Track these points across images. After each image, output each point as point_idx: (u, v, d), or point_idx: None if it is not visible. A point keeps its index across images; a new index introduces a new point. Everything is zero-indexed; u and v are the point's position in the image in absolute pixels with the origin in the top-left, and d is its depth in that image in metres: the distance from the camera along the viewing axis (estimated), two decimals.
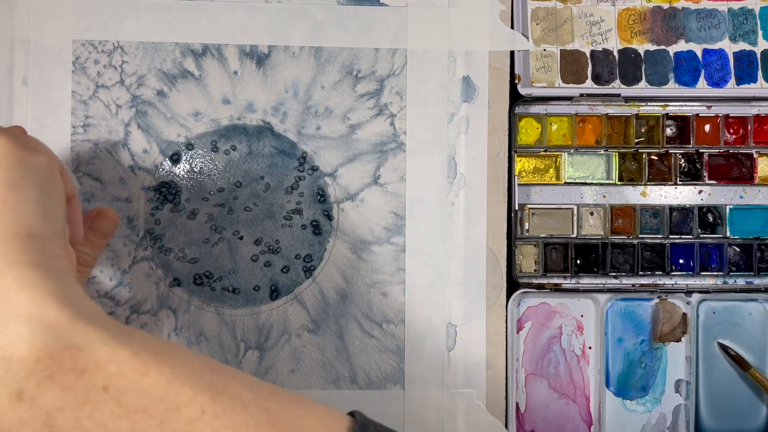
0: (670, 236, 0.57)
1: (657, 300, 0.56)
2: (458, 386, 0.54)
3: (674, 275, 0.57)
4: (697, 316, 0.57)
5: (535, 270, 0.56)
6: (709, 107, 0.57)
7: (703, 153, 0.57)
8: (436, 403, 0.53)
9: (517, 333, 0.56)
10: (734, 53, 0.56)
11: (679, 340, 0.57)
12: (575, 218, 0.56)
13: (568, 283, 0.56)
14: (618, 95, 0.56)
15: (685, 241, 0.57)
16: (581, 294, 0.56)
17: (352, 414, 0.34)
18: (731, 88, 0.56)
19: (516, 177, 0.55)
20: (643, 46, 0.56)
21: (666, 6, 0.56)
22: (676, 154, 0.57)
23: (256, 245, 0.53)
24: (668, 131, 0.57)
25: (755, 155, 0.57)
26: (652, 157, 0.57)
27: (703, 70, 0.56)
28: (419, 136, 0.54)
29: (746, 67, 0.56)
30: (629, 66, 0.56)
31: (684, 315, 0.56)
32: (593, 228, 0.57)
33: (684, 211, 0.57)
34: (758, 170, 0.57)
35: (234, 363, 0.53)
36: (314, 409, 0.32)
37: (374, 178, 0.54)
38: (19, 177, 0.34)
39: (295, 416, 0.32)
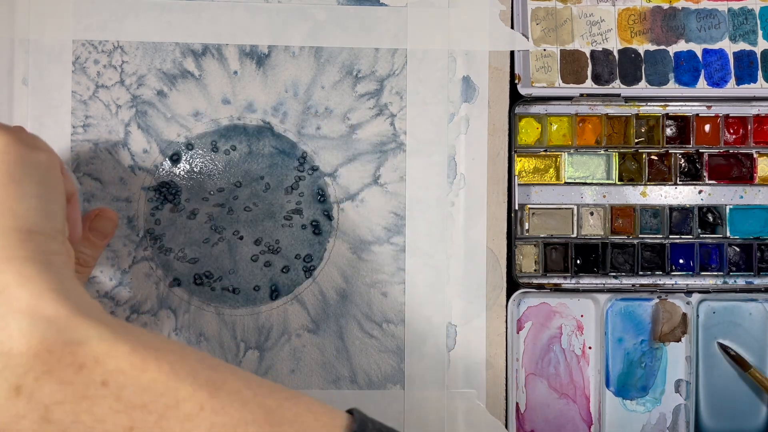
0: (670, 236, 0.57)
1: (657, 300, 0.56)
2: (458, 386, 0.54)
3: (674, 275, 0.57)
4: (697, 316, 0.57)
5: (535, 270, 0.56)
6: (709, 107, 0.57)
7: (703, 153, 0.57)
8: (436, 403, 0.53)
9: (517, 333, 0.56)
10: (734, 53, 0.56)
11: (679, 340, 0.57)
12: (575, 218, 0.56)
13: (568, 283, 0.56)
14: (618, 95, 0.56)
15: (685, 241, 0.57)
16: (581, 294, 0.56)
17: (350, 412, 0.34)
18: (731, 88, 0.56)
19: (516, 177, 0.55)
20: (643, 46, 0.56)
21: (666, 6, 0.56)
22: (676, 154, 0.57)
23: (256, 245, 0.53)
24: (668, 131, 0.57)
25: (755, 155, 0.57)
26: (652, 157, 0.57)
27: (703, 70, 0.56)
28: (419, 136, 0.54)
29: (746, 67, 0.56)
30: (629, 66, 0.56)
31: (684, 315, 0.56)
32: (593, 228, 0.57)
33: (684, 211, 0.57)
34: (758, 170, 0.57)
35: (234, 363, 0.53)
36: (313, 407, 0.32)
37: (374, 178, 0.54)
38: (20, 173, 0.34)
39: (293, 413, 0.32)
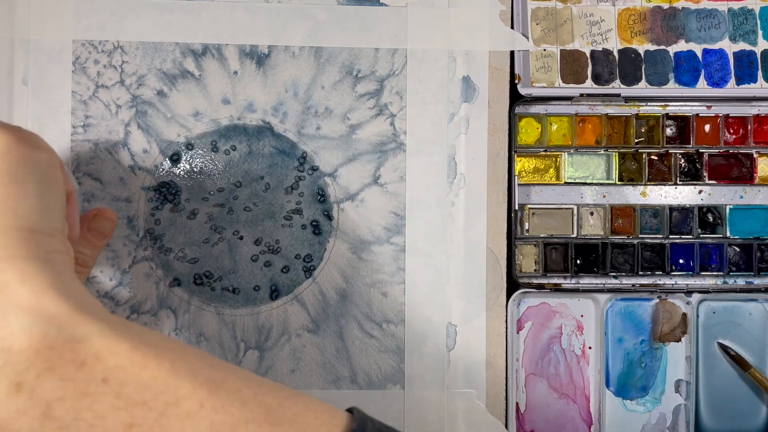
0: (670, 236, 0.57)
1: (657, 300, 0.56)
2: (458, 386, 0.54)
3: (674, 275, 0.57)
4: (697, 316, 0.57)
5: (535, 270, 0.56)
6: (709, 107, 0.57)
7: (703, 153, 0.57)
8: (436, 403, 0.53)
9: (517, 333, 0.56)
10: (734, 53, 0.56)
11: (679, 340, 0.57)
12: (575, 218, 0.56)
13: (568, 283, 0.56)
14: (618, 95, 0.56)
15: (685, 241, 0.57)
16: (581, 294, 0.56)
17: (350, 411, 0.34)
18: (731, 88, 0.56)
19: (516, 177, 0.55)
20: (643, 46, 0.56)
21: (666, 6, 0.56)
22: (676, 154, 0.57)
23: (256, 245, 0.53)
24: (668, 131, 0.57)
25: (755, 155, 0.57)
26: (652, 157, 0.57)
27: (703, 70, 0.56)
28: (419, 136, 0.54)
29: (746, 67, 0.56)
30: (629, 66, 0.56)
31: (684, 315, 0.56)
32: (593, 228, 0.57)
33: (684, 211, 0.57)
34: (758, 170, 0.57)
35: (234, 363, 0.53)
36: (313, 406, 0.32)
37: (374, 178, 0.54)
38: (21, 172, 0.34)
39: (293, 412, 0.32)
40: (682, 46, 0.56)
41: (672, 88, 0.56)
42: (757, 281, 0.57)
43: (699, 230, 0.57)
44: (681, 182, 0.57)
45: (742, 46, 0.56)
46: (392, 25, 0.54)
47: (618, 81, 0.56)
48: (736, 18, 0.56)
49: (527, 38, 0.55)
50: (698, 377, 0.57)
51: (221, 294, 0.53)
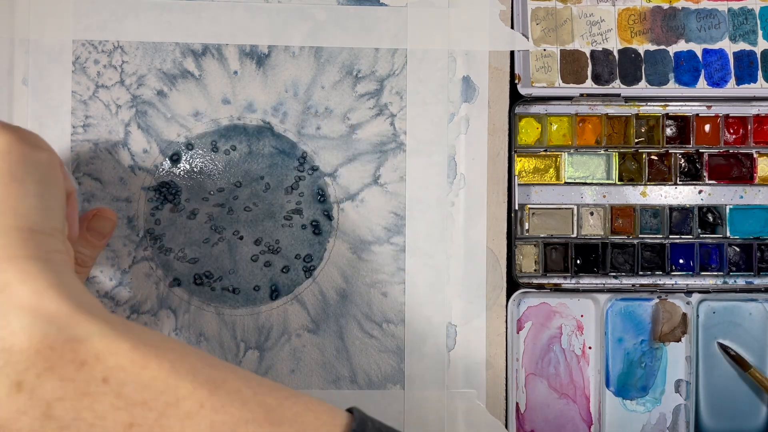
0: (670, 236, 0.57)
1: (657, 300, 0.56)
2: (458, 386, 0.54)
3: (674, 275, 0.57)
4: (697, 316, 0.57)
5: (535, 270, 0.56)
6: (709, 107, 0.57)
7: (703, 153, 0.57)
8: (436, 403, 0.53)
9: (517, 333, 0.56)
10: (734, 53, 0.56)
11: (679, 340, 0.57)
12: (575, 218, 0.56)
13: (568, 283, 0.56)
14: (618, 95, 0.56)
15: (685, 241, 0.57)
16: (581, 294, 0.56)
17: (350, 411, 0.34)
18: (731, 88, 0.56)
19: (516, 177, 0.55)
20: (643, 46, 0.56)
21: (666, 6, 0.56)
22: (676, 154, 0.57)
23: (256, 245, 0.53)
24: (668, 131, 0.57)
25: (755, 155, 0.57)
26: (652, 157, 0.57)
27: (703, 70, 0.56)
28: (419, 136, 0.54)
29: (746, 67, 0.56)
30: (629, 66, 0.56)
31: (684, 315, 0.56)
32: (593, 228, 0.57)
33: (684, 211, 0.57)
34: (758, 170, 0.57)
35: (234, 363, 0.53)
36: (313, 405, 0.32)
37: (374, 178, 0.54)
38: (21, 172, 0.34)
39: (293, 412, 0.32)
40: (682, 46, 0.56)
41: (672, 88, 0.56)
42: (757, 281, 0.57)
43: (699, 230, 0.57)
44: (681, 182, 0.57)
45: (742, 46, 0.56)
46: (392, 25, 0.54)
47: (618, 81, 0.56)
48: (736, 18, 0.56)
49: (527, 38, 0.55)
50: (698, 377, 0.57)
51: (221, 294, 0.53)
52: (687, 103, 0.57)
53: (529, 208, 0.56)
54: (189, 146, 0.53)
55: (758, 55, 0.56)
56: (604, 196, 0.57)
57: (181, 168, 0.53)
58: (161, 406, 0.30)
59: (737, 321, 0.57)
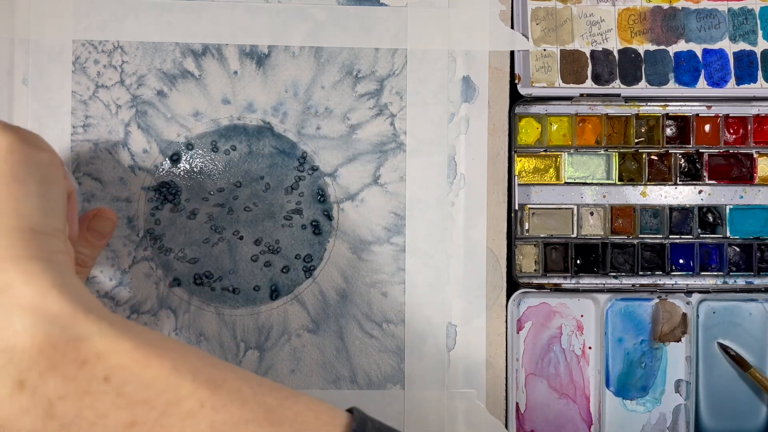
0: (670, 236, 0.57)
1: (657, 300, 0.56)
2: (458, 386, 0.54)
3: (674, 275, 0.57)
4: (697, 316, 0.57)
5: (535, 270, 0.56)
6: (709, 107, 0.57)
7: (703, 153, 0.57)
8: (436, 403, 0.53)
9: (517, 333, 0.56)
10: (734, 53, 0.56)
11: (679, 340, 0.57)
12: (575, 218, 0.56)
13: (568, 283, 0.56)
14: (618, 95, 0.56)
15: (685, 241, 0.57)
16: (581, 294, 0.56)
17: (350, 411, 0.34)
18: (731, 88, 0.56)
19: (516, 177, 0.55)
20: (643, 46, 0.56)
21: (666, 6, 0.56)
22: (676, 154, 0.57)
23: (256, 245, 0.53)
24: (668, 131, 0.57)
25: (755, 155, 0.57)
26: (652, 157, 0.57)
27: (703, 70, 0.56)
28: (419, 136, 0.54)
29: (746, 67, 0.56)
30: (629, 66, 0.56)
31: (684, 315, 0.56)
32: (593, 228, 0.57)
33: (684, 211, 0.57)
34: (758, 170, 0.57)
35: (234, 363, 0.53)
36: (313, 405, 0.32)
37: (374, 178, 0.54)
38: (23, 173, 0.34)
39: (293, 412, 0.32)
40: (682, 46, 0.56)
41: (672, 88, 0.56)
42: (757, 281, 0.57)
43: (699, 230, 0.57)
44: (681, 182, 0.57)
45: (742, 46, 0.56)
46: (392, 25, 0.54)
47: (618, 81, 0.56)
48: (736, 18, 0.56)
49: (527, 38, 0.55)
50: (698, 377, 0.57)
51: (221, 294, 0.53)
52: (687, 103, 0.57)
53: (529, 208, 0.56)
54: (189, 146, 0.53)
55: (758, 55, 0.56)
56: (604, 196, 0.57)
57: (181, 168, 0.53)
58: (162, 405, 0.30)
59: (737, 321, 0.57)
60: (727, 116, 0.57)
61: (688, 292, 0.56)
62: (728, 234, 0.57)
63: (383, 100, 0.54)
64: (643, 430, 0.57)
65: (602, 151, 0.57)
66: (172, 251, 0.53)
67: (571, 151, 0.57)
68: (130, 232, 0.52)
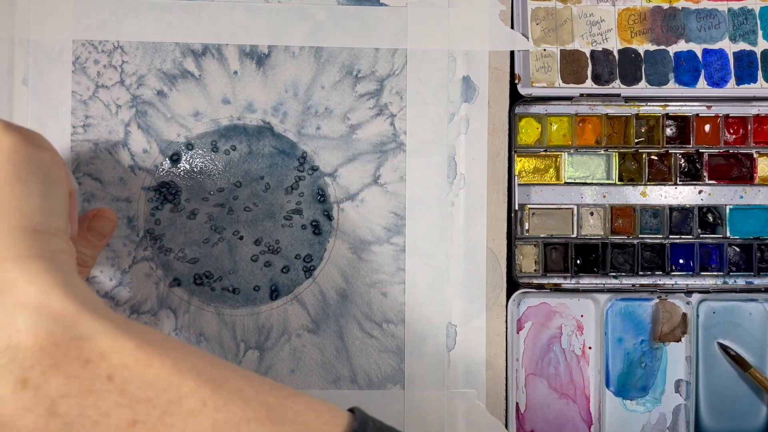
0: (670, 236, 0.57)
1: (657, 300, 0.56)
2: (458, 386, 0.54)
3: (674, 275, 0.57)
4: (697, 316, 0.57)
5: (535, 270, 0.56)
6: (709, 107, 0.57)
7: (703, 153, 0.57)
8: (436, 403, 0.53)
9: (517, 333, 0.56)
10: (734, 53, 0.56)
11: (679, 340, 0.57)
12: (575, 218, 0.56)
13: (568, 283, 0.56)
14: (618, 95, 0.56)
15: (685, 241, 0.57)
16: (581, 294, 0.56)
17: (351, 410, 0.34)
18: (731, 88, 0.56)
19: (516, 177, 0.55)
20: (643, 46, 0.56)
21: (666, 6, 0.56)
22: (676, 154, 0.57)
23: (256, 245, 0.53)
24: (668, 131, 0.57)
25: (755, 155, 0.57)
26: (652, 157, 0.57)
27: (703, 70, 0.56)
28: (419, 136, 0.54)
29: (746, 67, 0.56)
30: (629, 66, 0.56)
31: (684, 315, 0.56)
32: (593, 228, 0.57)
33: (684, 211, 0.57)
34: (758, 170, 0.57)
35: (234, 363, 0.52)
36: (314, 405, 0.33)
37: (374, 178, 0.54)
38: (26, 172, 0.34)
39: (295, 412, 0.32)
40: (682, 46, 0.56)
41: (672, 88, 0.56)
42: (757, 281, 0.57)
43: (699, 230, 0.57)
44: (681, 182, 0.57)
45: (742, 46, 0.56)
46: (392, 25, 0.54)
47: (618, 81, 0.56)
48: (736, 18, 0.56)
49: (527, 38, 0.55)
50: (698, 377, 0.57)
51: (221, 294, 0.53)
52: (687, 103, 0.57)
53: (529, 208, 0.56)
54: (189, 146, 0.53)
55: (758, 55, 0.56)
56: (604, 196, 0.57)
57: (181, 168, 0.53)
58: (164, 404, 0.30)
59: (737, 321, 0.57)
60: (727, 116, 0.57)
61: (688, 292, 0.56)
62: (728, 234, 0.57)
63: (383, 100, 0.54)
64: (643, 430, 0.57)
65: (602, 151, 0.57)
66: (172, 251, 0.53)
67: (571, 151, 0.57)
68: (130, 232, 0.52)
